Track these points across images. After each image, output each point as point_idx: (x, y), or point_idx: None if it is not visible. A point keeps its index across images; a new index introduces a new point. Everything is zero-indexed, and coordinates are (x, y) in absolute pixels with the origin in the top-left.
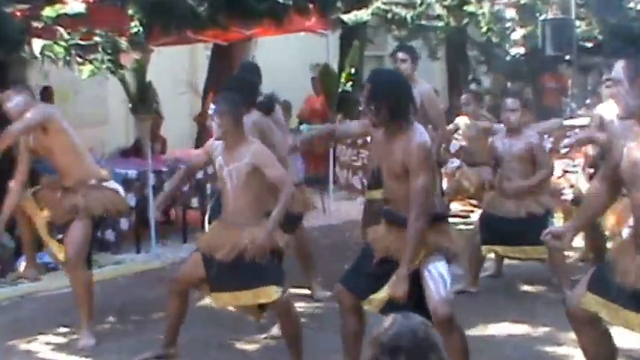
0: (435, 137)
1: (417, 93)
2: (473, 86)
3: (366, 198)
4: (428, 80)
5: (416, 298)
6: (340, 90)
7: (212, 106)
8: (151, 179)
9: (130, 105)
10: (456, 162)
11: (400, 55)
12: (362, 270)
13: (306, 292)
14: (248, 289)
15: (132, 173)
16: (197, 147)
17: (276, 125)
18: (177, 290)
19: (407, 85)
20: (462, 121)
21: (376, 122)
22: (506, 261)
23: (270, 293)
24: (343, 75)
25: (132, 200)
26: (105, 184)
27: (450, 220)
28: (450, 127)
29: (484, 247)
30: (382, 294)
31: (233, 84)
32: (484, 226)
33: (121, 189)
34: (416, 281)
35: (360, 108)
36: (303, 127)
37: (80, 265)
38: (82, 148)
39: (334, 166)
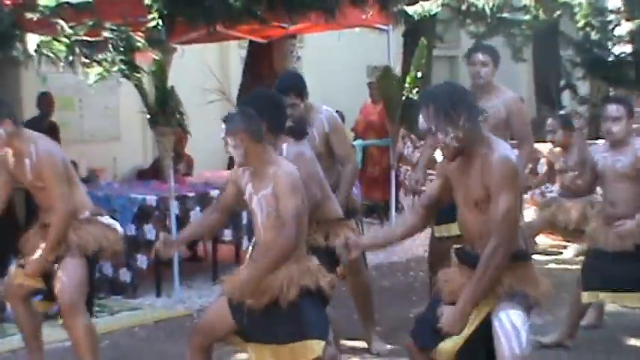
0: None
1: (499, 104)
2: (567, 109)
3: (434, 234)
4: (511, 87)
5: (486, 353)
6: (404, 97)
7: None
8: (174, 207)
9: (148, 116)
10: (552, 190)
11: (480, 56)
12: (431, 319)
13: (363, 344)
14: (283, 343)
15: (150, 199)
16: (230, 167)
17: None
18: (198, 346)
19: (468, 93)
20: (554, 152)
21: (452, 153)
22: (608, 306)
23: (311, 350)
24: (407, 79)
25: (151, 233)
26: (99, 218)
27: (537, 257)
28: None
29: (585, 295)
30: (450, 343)
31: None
32: (586, 266)
33: (117, 225)
34: (487, 332)
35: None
36: (357, 143)
37: (80, 311)
38: (73, 173)
39: (397, 191)
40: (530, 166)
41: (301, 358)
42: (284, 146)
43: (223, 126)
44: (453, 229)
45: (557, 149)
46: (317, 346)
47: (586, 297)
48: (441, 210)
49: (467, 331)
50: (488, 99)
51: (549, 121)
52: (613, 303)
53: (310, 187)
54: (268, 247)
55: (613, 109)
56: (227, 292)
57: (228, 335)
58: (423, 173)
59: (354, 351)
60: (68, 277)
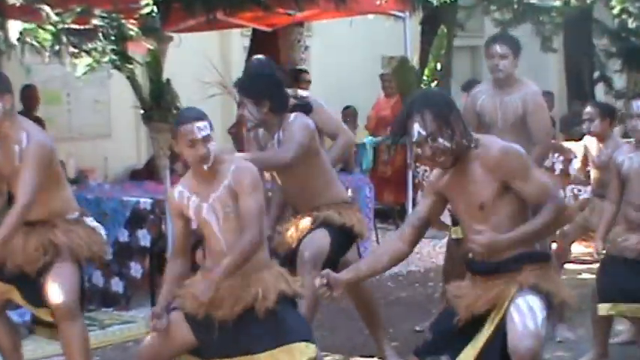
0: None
1: (518, 99)
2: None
3: (452, 236)
4: (540, 80)
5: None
6: None
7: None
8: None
9: (142, 112)
10: (585, 192)
11: (498, 48)
12: (441, 331)
13: None
14: (261, 352)
15: (145, 202)
16: None
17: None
18: None
19: (450, 100)
20: (590, 143)
21: (451, 159)
22: None
23: (301, 352)
24: (425, 71)
25: (145, 238)
26: (86, 220)
27: (570, 266)
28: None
29: (602, 307)
30: (469, 352)
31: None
32: (603, 274)
33: (102, 229)
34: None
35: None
36: (367, 140)
37: (77, 315)
38: (61, 170)
39: (414, 194)
40: (561, 167)
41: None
42: (292, 115)
43: (205, 123)
44: None
45: (592, 141)
46: (307, 348)
47: (602, 309)
48: None
49: (483, 338)
50: (509, 92)
51: (587, 109)
52: (634, 316)
53: (313, 164)
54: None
55: (639, 105)
56: (187, 307)
57: (179, 355)
58: None
59: None
60: (63, 280)
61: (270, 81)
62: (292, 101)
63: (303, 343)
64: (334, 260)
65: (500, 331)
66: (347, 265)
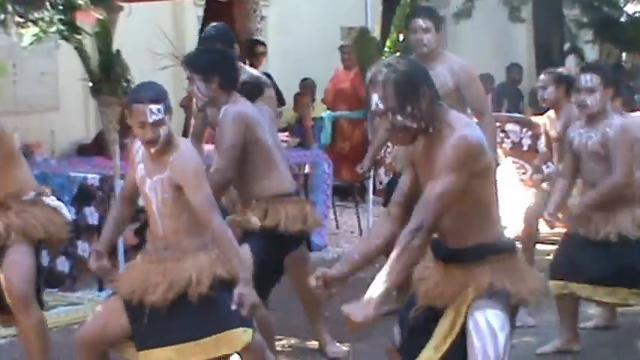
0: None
1: (445, 71)
2: (571, 63)
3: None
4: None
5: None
6: None
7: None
8: (120, 187)
9: (91, 84)
10: (550, 166)
11: (421, 22)
12: (406, 321)
13: (314, 344)
14: (201, 338)
15: (93, 178)
16: None
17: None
18: (87, 356)
19: (420, 73)
20: (550, 115)
21: (411, 135)
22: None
23: (238, 338)
24: (387, 42)
25: (93, 216)
26: (45, 199)
27: (538, 247)
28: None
29: (553, 284)
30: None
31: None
32: (559, 251)
33: (64, 207)
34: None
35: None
36: (325, 114)
37: (31, 302)
38: (15, 146)
39: (376, 169)
40: (529, 142)
41: (226, 350)
42: (223, 108)
43: (159, 106)
44: None
45: (552, 114)
46: (244, 334)
47: (555, 288)
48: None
49: (443, 347)
50: (433, 67)
51: (541, 76)
52: (589, 298)
53: (251, 152)
54: (170, 237)
55: (587, 78)
56: (124, 293)
57: (118, 341)
58: (371, 162)
59: (304, 352)
60: (16, 267)
61: (221, 56)
62: (242, 79)
63: (241, 329)
64: (268, 270)
65: (460, 346)
66: (296, 261)
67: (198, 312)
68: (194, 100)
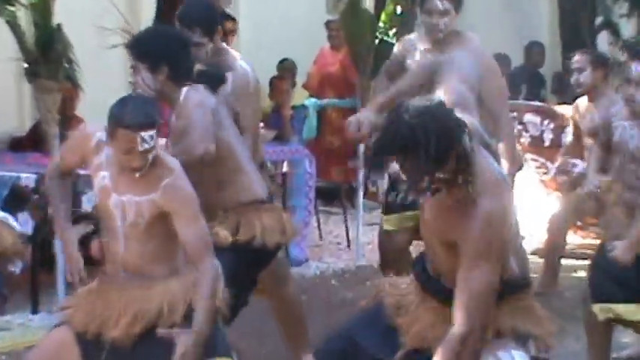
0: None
1: (467, 53)
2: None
3: (382, 228)
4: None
5: None
6: (377, 41)
7: None
8: None
9: (25, 65)
10: (578, 165)
11: (437, 3)
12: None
13: None
14: None
15: (27, 178)
16: None
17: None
18: None
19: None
20: (582, 104)
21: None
22: None
23: None
24: (382, 16)
25: (27, 224)
26: None
27: (564, 261)
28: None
29: (597, 308)
30: None
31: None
32: (595, 270)
33: (10, 219)
34: None
35: None
36: (310, 103)
37: None
38: None
39: (368, 170)
40: (551, 137)
41: None
42: (184, 90)
43: (151, 133)
44: (406, 219)
45: (584, 103)
46: None
47: (598, 312)
48: (392, 194)
49: None
50: (449, 50)
51: (576, 57)
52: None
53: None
54: (133, 260)
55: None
56: (77, 324)
57: None
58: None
59: None
60: None
61: (171, 41)
62: (198, 68)
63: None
64: (241, 287)
65: None
66: (274, 272)
67: (169, 348)
68: None
